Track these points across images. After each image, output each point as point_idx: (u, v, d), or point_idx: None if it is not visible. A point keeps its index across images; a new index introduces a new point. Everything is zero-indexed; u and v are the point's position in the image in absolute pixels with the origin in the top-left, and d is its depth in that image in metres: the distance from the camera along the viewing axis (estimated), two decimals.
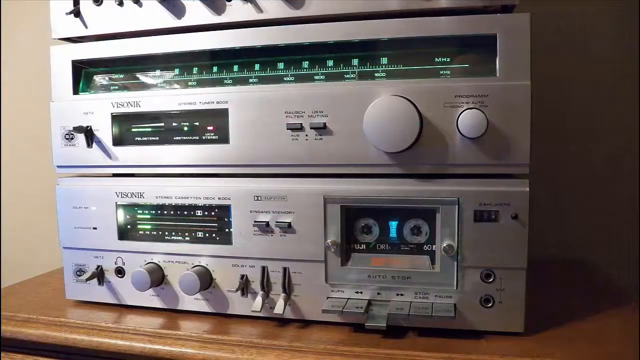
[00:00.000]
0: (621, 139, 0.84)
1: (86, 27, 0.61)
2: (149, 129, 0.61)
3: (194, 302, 0.60)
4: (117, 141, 0.61)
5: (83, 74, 0.63)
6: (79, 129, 0.61)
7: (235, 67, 0.58)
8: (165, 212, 0.61)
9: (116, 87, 0.62)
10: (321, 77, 0.55)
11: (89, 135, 0.61)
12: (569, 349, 0.49)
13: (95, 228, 0.63)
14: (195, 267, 0.59)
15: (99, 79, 0.63)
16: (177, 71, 0.60)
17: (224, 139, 0.58)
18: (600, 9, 0.82)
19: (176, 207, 0.61)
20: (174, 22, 0.58)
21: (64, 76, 0.63)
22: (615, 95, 0.83)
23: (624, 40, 0.82)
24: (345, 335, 0.54)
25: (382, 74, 0.54)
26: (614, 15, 0.82)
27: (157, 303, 0.62)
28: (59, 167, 0.64)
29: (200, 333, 0.55)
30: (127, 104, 0.60)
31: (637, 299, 0.58)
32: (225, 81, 0.58)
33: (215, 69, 0.59)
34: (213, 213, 0.60)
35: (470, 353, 0.49)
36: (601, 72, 0.83)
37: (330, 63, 0.55)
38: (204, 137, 0.59)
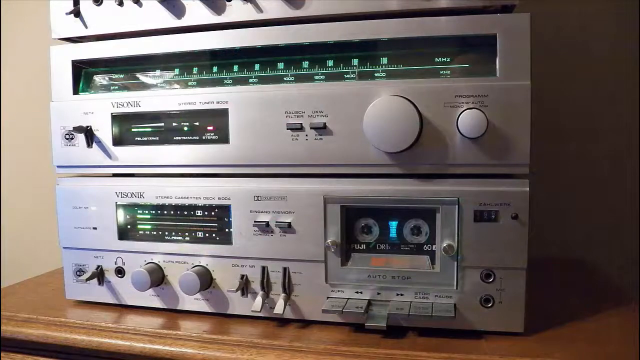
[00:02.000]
0: (621, 138, 0.84)
1: (86, 27, 0.61)
2: (149, 129, 0.61)
3: (194, 302, 0.60)
4: (117, 141, 0.61)
5: (83, 74, 0.63)
6: (79, 129, 0.61)
7: (235, 67, 0.58)
8: (165, 212, 0.61)
9: (116, 87, 0.62)
10: (321, 77, 0.55)
11: (89, 135, 0.61)
12: (569, 349, 0.49)
13: (95, 228, 0.63)
14: (195, 267, 0.59)
15: (99, 79, 0.63)
16: (177, 71, 0.60)
17: (224, 139, 0.58)
18: (600, 8, 0.82)
19: (176, 207, 0.61)
20: (174, 22, 0.58)
21: (64, 76, 0.63)
22: (615, 94, 0.83)
23: (624, 40, 0.81)
24: (345, 335, 0.54)
25: (382, 74, 0.54)
26: (614, 15, 0.82)
27: (157, 303, 0.62)
28: (59, 167, 0.64)
29: (200, 333, 0.55)
30: (127, 104, 0.60)
31: (637, 298, 0.58)
32: (225, 81, 0.58)
33: (215, 69, 0.59)
34: (213, 213, 0.60)
35: (470, 353, 0.49)
36: (601, 71, 0.83)
37: (330, 63, 0.55)
38: (204, 137, 0.59)
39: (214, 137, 0.58)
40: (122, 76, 0.62)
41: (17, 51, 1.09)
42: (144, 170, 0.61)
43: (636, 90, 0.81)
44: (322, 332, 0.55)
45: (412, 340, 0.52)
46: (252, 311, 0.56)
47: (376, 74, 0.54)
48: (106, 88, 0.63)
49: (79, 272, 0.64)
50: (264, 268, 0.58)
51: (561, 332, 0.53)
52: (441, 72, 0.53)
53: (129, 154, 0.61)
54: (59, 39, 0.63)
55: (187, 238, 0.60)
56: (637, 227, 0.82)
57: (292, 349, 0.51)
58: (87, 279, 0.62)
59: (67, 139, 0.63)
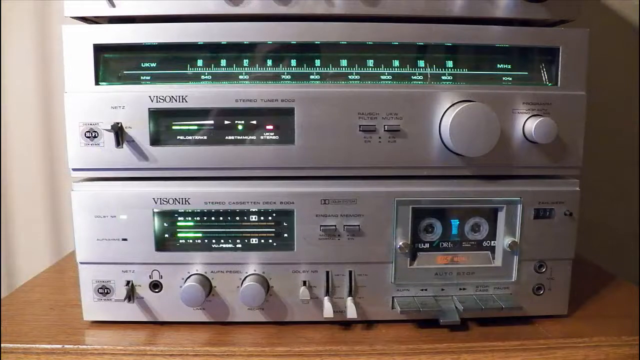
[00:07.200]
0: (621, 138, 0.88)
1: (113, 5, 0.52)
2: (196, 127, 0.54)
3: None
4: (155, 141, 0.54)
5: (103, 60, 0.54)
6: (111, 126, 0.52)
7: (318, 62, 0.54)
8: (214, 218, 0.56)
9: (148, 78, 0.54)
10: (388, 77, 0.55)
11: (119, 134, 0.53)
12: (611, 324, 0.57)
13: (125, 239, 0.55)
14: (252, 276, 0.55)
15: (124, 67, 0.54)
16: (224, 62, 0.54)
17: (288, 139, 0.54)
18: None
19: (228, 213, 0.56)
20: (227, 8, 0.52)
21: (82, 63, 0.53)
22: (615, 95, 0.86)
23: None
24: (414, 332, 0.56)
25: (449, 77, 0.55)
26: None
27: (203, 317, 0.57)
28: (74, 170, 0.54)
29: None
30: (171, 98, 0.53)
31: (637, 297, 0.63)
32: (284, 77, 0.54)
33: (271, 61, 0.54)
34: (270, 218, 0.56)
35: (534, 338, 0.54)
36: (603, 72, 0.84)
37: (396, 63, 0.55)
38: (262, 138, 0.54)
39: (274, 138, 0.54)
40: (154, 65, 0.54)
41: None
42: (187, 174, 0.55)
43: (636, 90, 0.87)
44: (391, 330, 0.56)
45: (479, 330, 0.56)
46: (325, 317, 0.55)
47: (443, 77, 0.55)
48: (134, 77, 0.54)
49: (102, 289, 0.56)
50: (328, 273, 0.56)
51: (592, 312, 0.60)
52: (503, 79, 0.56)
53: (168, 155, 0.54)
54: (74, 17, 0.52)
55: (239, 245, 0.56)
56: (637, 227, 0.86)
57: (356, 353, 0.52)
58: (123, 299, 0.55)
59: (87, 137, 0.53)
